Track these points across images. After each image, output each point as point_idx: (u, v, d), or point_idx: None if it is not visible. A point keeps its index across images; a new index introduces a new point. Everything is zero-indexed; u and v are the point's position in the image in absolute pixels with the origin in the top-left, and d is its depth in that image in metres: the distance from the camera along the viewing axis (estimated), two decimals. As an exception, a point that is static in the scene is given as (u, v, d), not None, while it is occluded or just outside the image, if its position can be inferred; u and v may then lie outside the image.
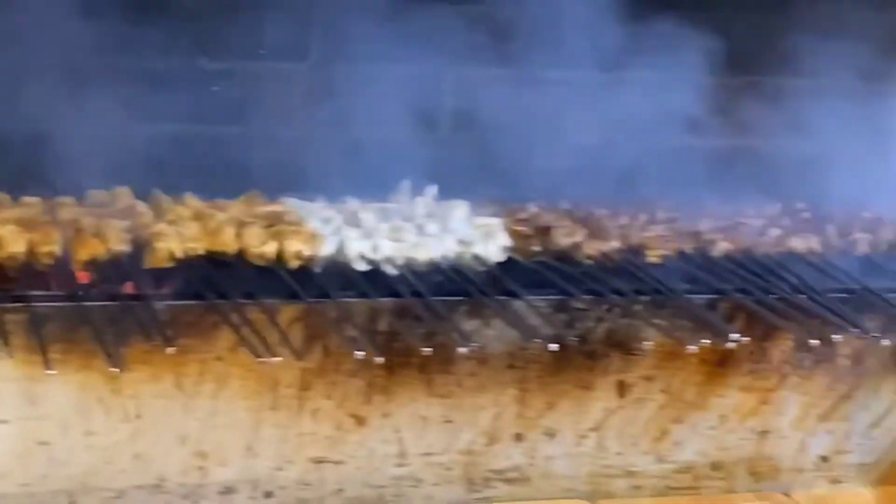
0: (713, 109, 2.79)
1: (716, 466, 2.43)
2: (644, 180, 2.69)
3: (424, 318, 2.18)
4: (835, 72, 2.71)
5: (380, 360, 2.06)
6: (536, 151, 2.80)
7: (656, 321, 2.28)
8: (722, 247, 2.52)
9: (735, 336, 2.20)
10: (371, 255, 2.31)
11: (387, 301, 2.21)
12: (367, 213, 2.43)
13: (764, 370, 2.41)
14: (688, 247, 2.52)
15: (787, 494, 2.46)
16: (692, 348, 2.20)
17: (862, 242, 2.59)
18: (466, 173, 2.66)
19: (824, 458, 2.48)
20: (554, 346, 2.15)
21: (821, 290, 2.39)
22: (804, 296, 2.37)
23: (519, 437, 2.32)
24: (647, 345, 2.27)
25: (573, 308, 2.30)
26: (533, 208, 2.60)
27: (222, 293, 2.12)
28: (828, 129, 2.70)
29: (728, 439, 2.42)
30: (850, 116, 2.69)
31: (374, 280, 2.26)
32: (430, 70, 2.62)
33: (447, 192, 2.55)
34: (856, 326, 2.28)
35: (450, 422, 2.28)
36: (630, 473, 2.39)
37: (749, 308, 2.34)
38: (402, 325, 2.19)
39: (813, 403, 2.45)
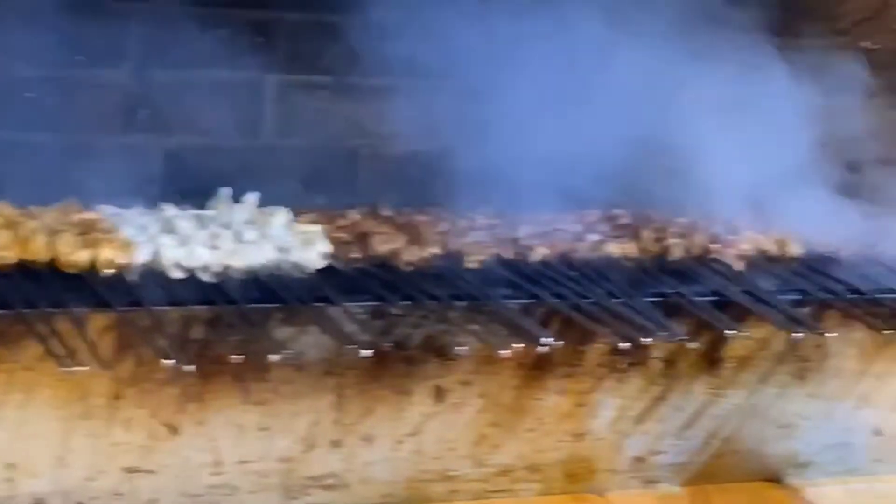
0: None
1: (533, 469, 2.46)
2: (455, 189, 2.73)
3: (237, 326, 2.18)
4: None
5: (190, 368, 2.06)
6: (361, 158, 2.82)
7: (472, 327, 2.30)
8: (540, 252, 2.56)
9: (547, 340, 2.24)
10: (187, 263, 2.30)
11: (201, 309, 2.20)
12: (185, 221, 2.42)
13: (580, 373, 2.45)
14: (506, 252, 2.56)
15: (601, 496, 2.50)
16: (505, 353, 2.22)
17: (676, 247, 2.65)
18: (289, 180, 2.67)
19: (639, 459, 2.53)
20: (367, 353, 2.16)
21: (634, 295, 2.44)
22: (618, 300, 2.43)
23: (336, 444, 2.33)
24: (463, 350, 2.29)
25: (391, 314, 2.32)
26: (354, 215, 2.61)
27: (31, 302, 2.10)
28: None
29: (544, 442, 2.46)
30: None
31: (190, 288, 2.26)
32: (251, 77, 2.63)
33: (269, 200, 2.56)
34: (666, 330, 2.34)
35: (266, 429, 2.28)
36: (448, 478, 2.42)
37: (564, 313, 2.39)
38: (216, 333, 2.18)
39: (628, 406, 2.50)
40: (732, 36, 2.71)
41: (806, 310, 2.53)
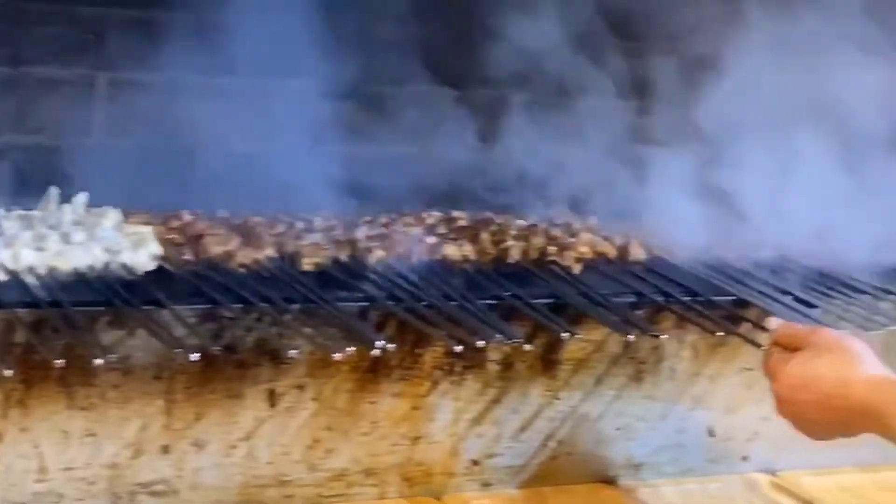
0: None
1: (368, 473, 2.44)
2: (303, 188, 2.70)
3: (62, 330, 2.12)
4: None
5: (8, 373, 2.00)
6: (196, 159, 2.78)
7: (306, 330, 2.27)
8: (377, 255, 2.54)
9: (380, 343, 2.22)
10: (11, 265, 2.24)
11: (24, 312, 2.14)
12: (9, 221, 2.36)
13: (416, 376, 2.44)
14: (343, 255, 2.54)
15: (438, 499, 2.49)
16: (337, 356, 2.20)
17: (514, 250, 2.65)
18: (120, 181, 2.62)
19: (475, 462, 2.52)
20: (195, 356, 2.12)
21: (471, 298, 2.44)
22: (454, 303, 2.42)
23: (166, 449, 2.29)
24: (295, 353, 2.26)
25: (222, 317, 2.28)
26: (187, 216, 2.57)
27: None
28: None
29: (380, 445, 2.44)
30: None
31: (14, 290, 2.20)
32: (81, 74, 2.58)
33: (99, 200, 2.50)
34: (501, 333, 2.33)
35: (93, 435, 2.23)
36: (282, 483, 2.38)
37: (399, 316, 2.37)
38: (40, 336, 2.13)
39: (464, 409, 2.49)
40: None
41: (641, 312, 2.55)
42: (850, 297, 2.67)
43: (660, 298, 2.58)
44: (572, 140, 2.82)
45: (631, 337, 2.43)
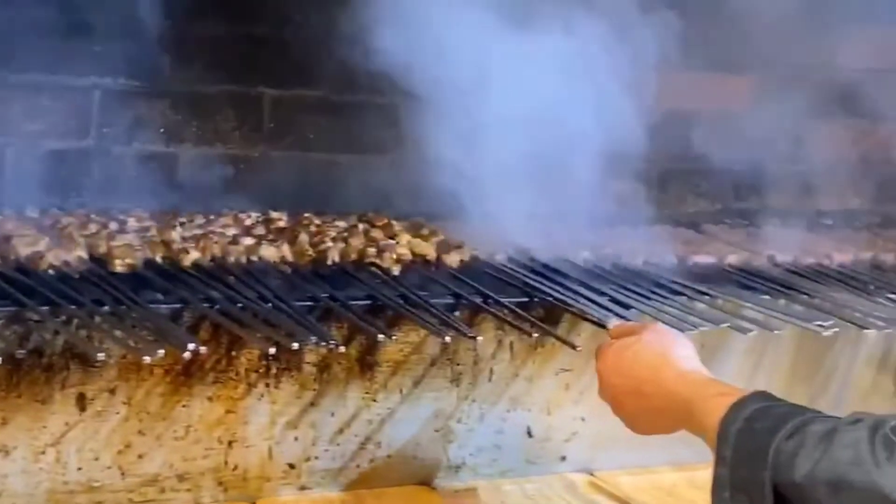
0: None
1: (182, 478, 2.40)
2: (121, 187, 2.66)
3: None
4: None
5: None
6: (5, 157, 2.71)
7: (117, 333, 2.23)
8: (192, 256, 2.50)
9: (192, 346, 2.18)
10: None
11: None
12: None
13: (230, 379, 2.41)
14: (158, 256, 2.50)
15: (253, 503, 2.46)
16: (148, 359, 2.16)
17: (333, 251, 2.63)
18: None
19: (292, 466, 2.49)
20: (-2, 361, 2.07)
21: (287, 300, 2.41)
22: (269, 305, 2.39)
23: (-31, 456, 2.23)
24: (104, 357, 2.21)
25: (29, 320, 2.22)
26: (-5, 217, 2.51)
27: None
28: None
29: (194, 450, 2.40)
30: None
31: None
32: None
33: None
34: (316, 335, 2.31)
35: None
36: (92, 489, 2.33)
37: (213, 318, 2.34)
38: None
39: (280, 411, 2.46)
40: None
41: (458, 314, 2.55)
42: (666, 297, 2.71)
43: (478, 300, 2.58)
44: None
45: (447, 339, 2.43)
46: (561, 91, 2.68)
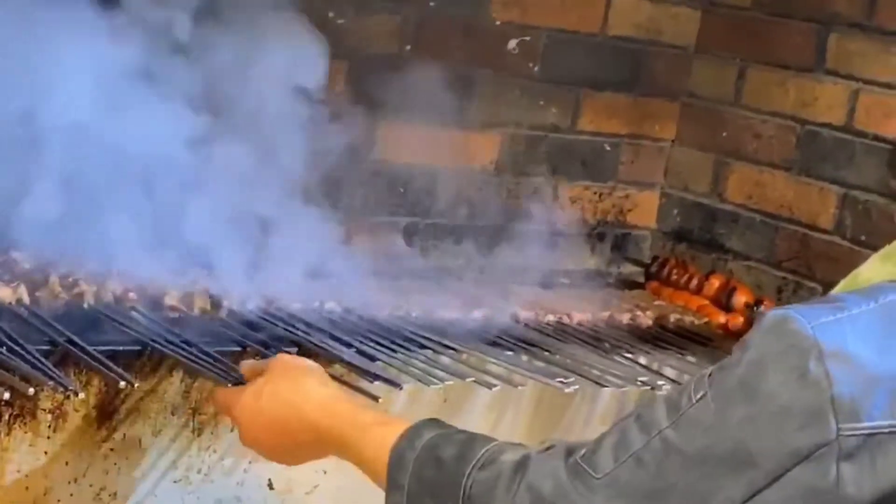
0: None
1: None
2: None
3: None
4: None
5: None
6: None
7: None
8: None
9: None
10: None
11: None
12: None
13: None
14: None
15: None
16: None
17: (89, 294, 2.54)
18: None
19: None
20: None
21: (22, 343, 2.31)
22: (3, 348, 2.29)
23: None
24: None
25: None
26: None
27: None
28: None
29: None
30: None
31: None
32: None
33: None
34: (53, 380, 2.21)
35: None
36: None
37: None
38: None
39: (11, 460, 2.35)
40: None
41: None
42: (412, 351, 2.71)
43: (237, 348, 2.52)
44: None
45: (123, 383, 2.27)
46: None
